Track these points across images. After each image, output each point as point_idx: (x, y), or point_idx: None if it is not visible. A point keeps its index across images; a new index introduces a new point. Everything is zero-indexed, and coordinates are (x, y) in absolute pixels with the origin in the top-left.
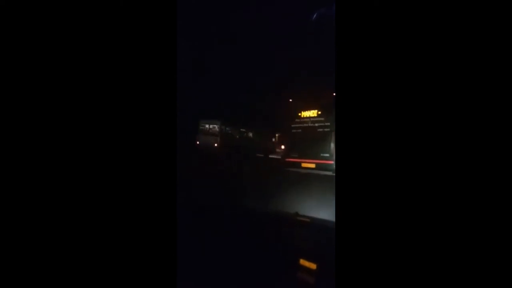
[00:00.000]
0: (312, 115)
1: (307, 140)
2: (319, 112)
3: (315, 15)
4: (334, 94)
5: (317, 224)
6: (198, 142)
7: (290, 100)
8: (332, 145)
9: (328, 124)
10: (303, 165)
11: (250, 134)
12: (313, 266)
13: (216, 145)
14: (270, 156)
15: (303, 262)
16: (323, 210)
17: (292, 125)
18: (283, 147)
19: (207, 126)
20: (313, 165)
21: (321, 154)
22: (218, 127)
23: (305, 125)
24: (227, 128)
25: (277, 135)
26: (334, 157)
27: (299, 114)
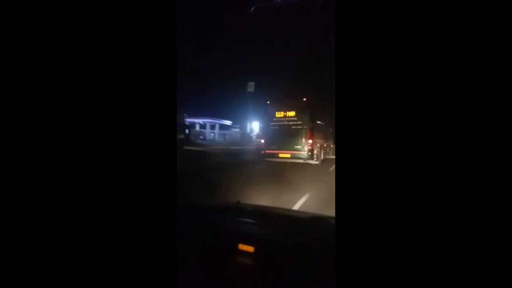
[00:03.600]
0: (286, 115)
1: (283, 135)
2: (293, 113)
3: (253, 8)
4: (305, 99)
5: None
6: None
7: (268, 102)
8: (303, 139)
9: (300, 122)
10: (280, 155)
11: None
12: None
13: None
14: (185, 147)
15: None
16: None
17: (270, 123)
18: (262, 141)
19: None
20: (288, 155)
21: (295, 146)
22: None
23: (281, 123)
24: None
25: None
26: (304, 148)
27: (276, 114)
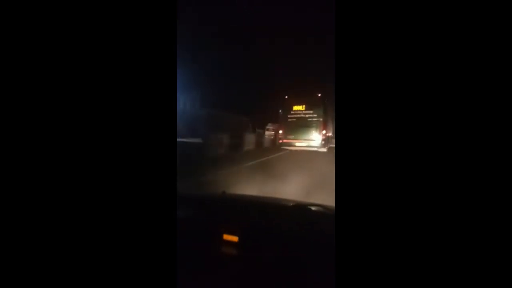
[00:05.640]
0: (303, 109)
1: (299, 126)
2: (309, 107)
3: None
4: (319, 94)
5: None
6: None
7: (286, 97)
8: (318, 130)
9: (315, 115)
10: (297, 144)
11: None
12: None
13: None
14: None
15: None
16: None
17: (288, 116)
18: (280, 131)
19: None
20: (304, 144)
21: (310, 136)
22: None
23: (298, 115)
24: None
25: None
26: (319, 138)
27: (294, 107)
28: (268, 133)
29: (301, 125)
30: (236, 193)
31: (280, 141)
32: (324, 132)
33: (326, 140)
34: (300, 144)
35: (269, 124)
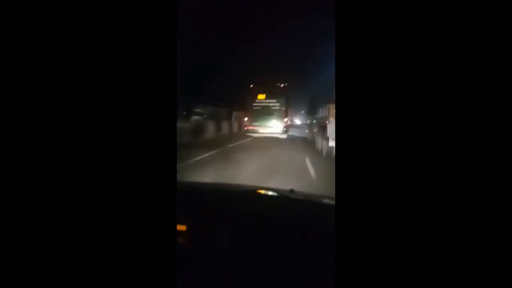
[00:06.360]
0: (268, 98)
1: (263, 114)
2: (273, 96)
3: None
4: (283, 85)
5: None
6: None
7: (251, 85)
8: (280, 118)
9: (278, 104)
10: (260, 130)
11: None
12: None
13: None
14: None
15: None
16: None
17: (253, 104)
18: (246, 118)
19: None
20: (267, 130)
21: (273, 124)
22: None
23: (262, 104)
24: None
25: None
26: (281, 125)
27: (259, 96)
28: (195, 119)
29: (265, 113)
30: (189, 181)
31: (245, 128)
32: (285, 120)
33: (287, 127)
34: (263, 130)
35: (198, 107)
